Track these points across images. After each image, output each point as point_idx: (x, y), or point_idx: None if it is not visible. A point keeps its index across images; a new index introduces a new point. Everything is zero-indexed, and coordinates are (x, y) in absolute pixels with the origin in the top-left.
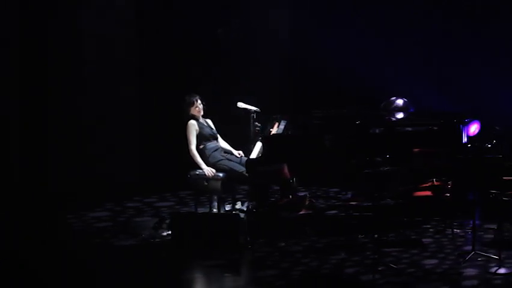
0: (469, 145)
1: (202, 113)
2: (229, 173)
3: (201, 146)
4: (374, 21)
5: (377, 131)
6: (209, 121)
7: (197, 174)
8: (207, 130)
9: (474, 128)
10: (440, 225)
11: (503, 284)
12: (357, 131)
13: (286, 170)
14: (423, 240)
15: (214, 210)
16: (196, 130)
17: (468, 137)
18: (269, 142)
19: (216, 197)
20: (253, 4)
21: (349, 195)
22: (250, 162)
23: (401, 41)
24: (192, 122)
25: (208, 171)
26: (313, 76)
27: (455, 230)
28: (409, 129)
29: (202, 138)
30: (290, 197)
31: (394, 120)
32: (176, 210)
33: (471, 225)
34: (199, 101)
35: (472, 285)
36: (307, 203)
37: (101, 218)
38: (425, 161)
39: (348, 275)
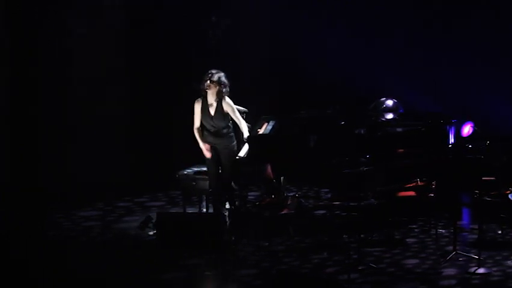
0: (450, 146)
1: (210, 90)
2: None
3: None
4: (362, 21)
5: (362, 131)
6: (228, 107)
7: (185, 174)
8: (205, 117)
9: (467, 129)
10: (425, 225)
11: (481, 284)
12: (342, 131)
13: (269, 170)
14: (407, 240)
15: (204, 210)
16: (198, 112)
17: (462, 138)
18: (254, 142)
19: (204, 197)
20: (241, 4)
21: (329, 195)
22: (235, 162)
23: (391, 41)
24: (195, 102)
25: (204, 149)
26: (301, 76)
27: (439, 230)
28: (399, 129)
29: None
30: (273, 196)
31: (380, 121)
32: (165, 209)
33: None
34: (209, 76)
35: (449, 284)
36: (289, 202)
37: (90, 217)
38: (409, 162)
39: (328, 274)
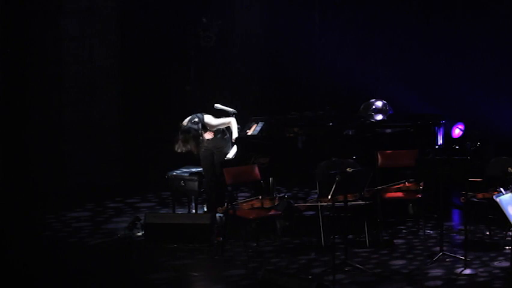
0: (438, 147)
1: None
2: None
3: None
4: (362, 21)
5: (350, 132)
6: (212, 127)
7: (174, 175)
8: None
9: (458, 131)
10: (413, 226)
11: (467, 285)
12: (330, 132)
13: (256, 171)
14: (395, 241)
15: (193, 210)
16: None
17: (451, 139)
18: (242, 143)
19: (193, 197)
20: (231, 6)
21: (315, 196)
22: (223, 163)
23: (391, 41)
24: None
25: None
26: (300, 78)
27: (426, 231)
28: (388, 130)
29: None
30: (260, 197)
31: (368, 122)
32: (156, 210)
33: (445, 226)
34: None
35: (435, 285)
36: (277, 203)
37: (80, 218)
38: (397, 163)
39: (314, 275)
